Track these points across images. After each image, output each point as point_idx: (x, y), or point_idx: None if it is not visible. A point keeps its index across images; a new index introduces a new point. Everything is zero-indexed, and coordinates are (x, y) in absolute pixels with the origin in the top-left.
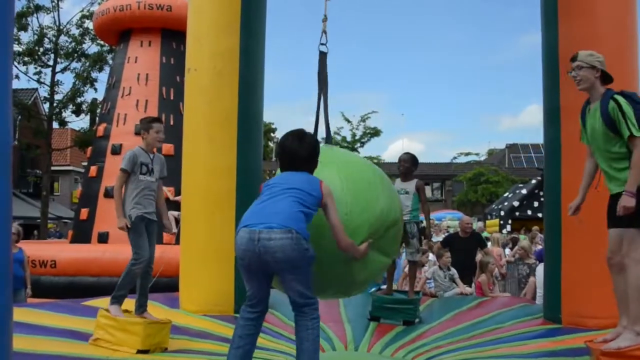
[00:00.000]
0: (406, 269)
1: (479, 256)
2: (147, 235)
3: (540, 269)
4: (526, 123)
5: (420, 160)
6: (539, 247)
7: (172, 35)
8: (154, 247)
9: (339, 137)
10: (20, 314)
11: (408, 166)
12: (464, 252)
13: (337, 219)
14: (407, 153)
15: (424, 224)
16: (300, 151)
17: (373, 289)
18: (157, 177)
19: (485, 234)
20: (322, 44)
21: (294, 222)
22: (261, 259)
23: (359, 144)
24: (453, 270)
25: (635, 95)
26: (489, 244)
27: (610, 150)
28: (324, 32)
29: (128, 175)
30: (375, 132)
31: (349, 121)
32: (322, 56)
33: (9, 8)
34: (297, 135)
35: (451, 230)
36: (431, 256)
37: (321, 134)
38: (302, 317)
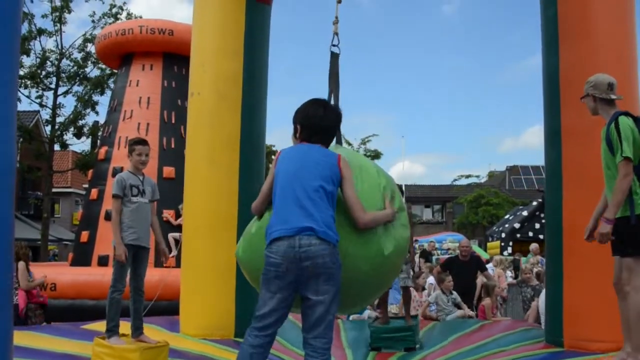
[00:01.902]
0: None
1: (479, 279)
2: (137, 261)
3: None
4: (527, 145)
5: (421, 182)
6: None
7: (173, 59)
8: (143, 272)
9: None
10: (19, 338)
11: None
12: (463, 275)
13: (354, 194)
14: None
15: (427, 246)
16: (324, 120)
17: (370, 319)
18: (151, 198)
19: (485, 256)
20: (334, 45)
21: (329, 230)
22: (300, 265)
23: None
24: (455, 294)
25: None
26: (490, 266)
27: (613, 173)
28: (336, 33)
29: (121, 200)
30: (376, 155)
31: (349, 143)
32: (334, 57)
33: (14, 49)
34: (322, 104)
35: (452, 253)
36: (431, 279)
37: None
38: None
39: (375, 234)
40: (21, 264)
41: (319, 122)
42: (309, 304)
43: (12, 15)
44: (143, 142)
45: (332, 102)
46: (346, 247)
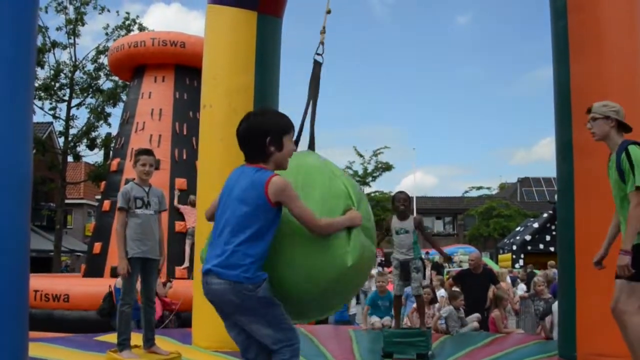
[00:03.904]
0: (414, 305)
1: (490, 292)
2: (146, 272)
3: (556, 305)
4: (539, 156)
5: (432, 194)
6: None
7: (185, 71)
8: (153, 284)
9: (350, 171)
10: (33, 349)
11: (408, 204)
12: (475, 288)
13: (300, 208)
14: (403, 192)
15: (438, 258)
16: (240, 132)
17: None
18: (157, 209)
19: (496, 268)
20: (317, 54)
21: (228, 269)
22: (214, 304)
23: (370, 178)
24: (462, 310)
25: None
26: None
27: (622, 201)
28: (322, 43)
29: (126, 213)
30: (387, 167)
31: (361, 155)
32: (317, 66)
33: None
34: (246, 116)
35: (464, 265)
36: (442, 292)
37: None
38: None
39: (336, 243)
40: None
41: (239, 134)
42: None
43: (29, 32)
44: (147, 152)
45: (310, 109)
46: (304, 259)
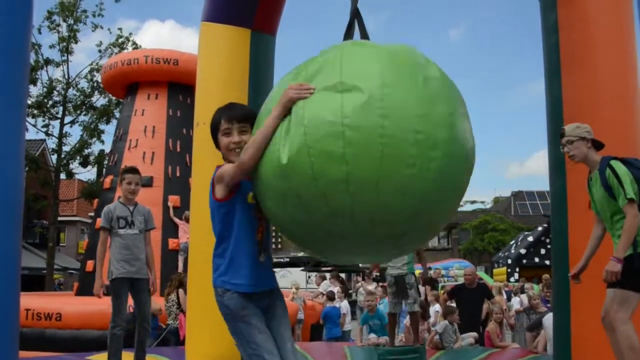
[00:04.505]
0: (407, 322)
1: (485, 306)
2: (135, 292)
3: (548, 317)
4: (532, 170)
5: None
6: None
7: (178, 89)
8: (146, 304)
9: None
10: None
11: None
12: (470, 303)
13: (229, 168)
14: None
15: (432, 273)
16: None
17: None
18: (142, 228)
19: (490, 282)
20: None
21: (213, 274)
22: None
23: None
24: (455, 325)
25: (635, 160)
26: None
27: (613, 215)
28: None
29: (108, 233)
30: None
31: None
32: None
33: (23, 91)
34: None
35: (459, 280)
36: (437, 307)
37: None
38: None
39: (273, 141)
40: (181, 291)
41: None
42: None
43: (21, 51)
44: (133, 170)
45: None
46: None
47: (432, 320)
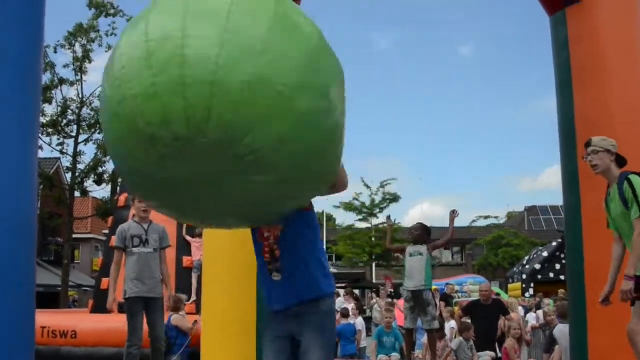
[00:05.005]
0: (425, 340)
1: (500, 323)
2: (149, 311)
3: (557, 329)
4: (546, 185)
5: (440, 224)
6: None
7: None
8: (159, 321)
9: (357, 203)
10: None
11: (419, 234)
12: (485, 319)
13: None
14: (419, 223)
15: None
16: None
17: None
18: (157, 247)
19: (505, 297)
20: None
21: None
22: None
23: (377, 209)
24: (471, 342)
25: None
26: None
27: (631, 229)
28: None
29: (123, 252)
30: (395, 198)
31: (368, 187)
32: None
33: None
34: None
35: (474, 296)
36: (453, 323)
37: None
38: None
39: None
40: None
41: None
42: None
43: (34, 69)
44: None
45: None
46: None
47: (447, 337)
